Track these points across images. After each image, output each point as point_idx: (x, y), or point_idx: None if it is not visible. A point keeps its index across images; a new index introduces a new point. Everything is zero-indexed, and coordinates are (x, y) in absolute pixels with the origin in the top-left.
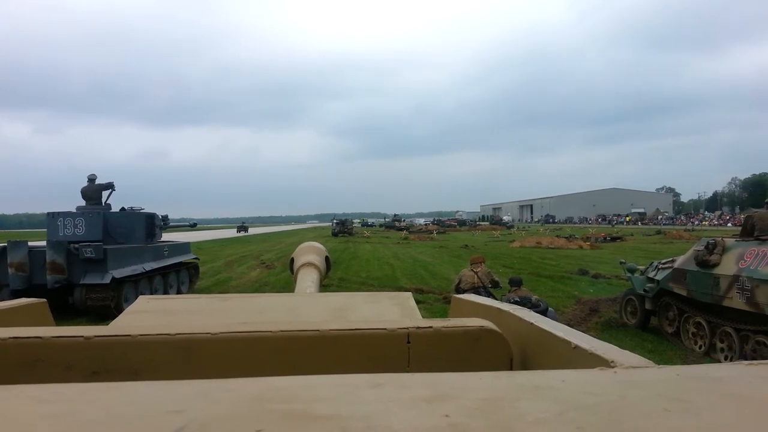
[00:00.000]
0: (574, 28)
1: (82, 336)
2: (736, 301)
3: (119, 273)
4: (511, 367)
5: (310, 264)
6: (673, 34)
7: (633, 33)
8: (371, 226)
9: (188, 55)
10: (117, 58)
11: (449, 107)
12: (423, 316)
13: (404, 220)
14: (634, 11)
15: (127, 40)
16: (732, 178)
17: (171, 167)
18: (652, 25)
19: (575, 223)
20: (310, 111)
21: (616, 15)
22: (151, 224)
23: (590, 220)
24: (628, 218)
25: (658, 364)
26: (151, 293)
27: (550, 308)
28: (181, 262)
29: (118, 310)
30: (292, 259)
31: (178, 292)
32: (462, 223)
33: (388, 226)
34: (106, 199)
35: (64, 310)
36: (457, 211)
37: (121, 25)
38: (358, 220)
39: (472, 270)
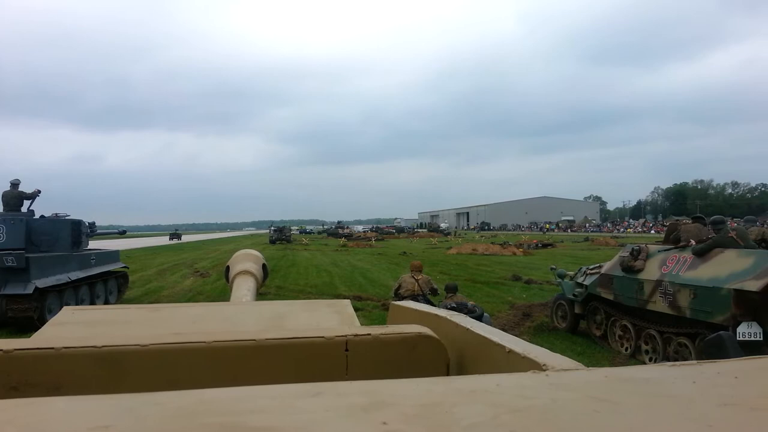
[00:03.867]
0: (523, 41)
1: (1, 349)
2: (659, 304)
3: (43, 283)
4: (448, 373)
5: (246, 272)
6: (612, 49)
7: (576, 47)
8: (310, 233)
9: (133, 57)
10: (56, 58)
11: (397, 116)
12: (361, 324)
13: (347, 227)
14: (578, 27)
15: (69, 39)
16: (655, 188)
17: (105, 172)
18: (593, 40)
19: (509, 230)
20: (257, 117)
21: (562, 30)
22: (78, 231)
23: (523, 227)
24: (547, 225)
25: (588, 366)
26: (77, 304)
27: (485, 314)
28: (109, 271)
29: (41, 322)
30: (228, 267)
31: (106, 302)
32: (400, 230)
33: (331, 234)
34: (29, 206)
35: None
36: (396, 219)
37: (64, 24)
38: (297, 227)
39: (413, 277)
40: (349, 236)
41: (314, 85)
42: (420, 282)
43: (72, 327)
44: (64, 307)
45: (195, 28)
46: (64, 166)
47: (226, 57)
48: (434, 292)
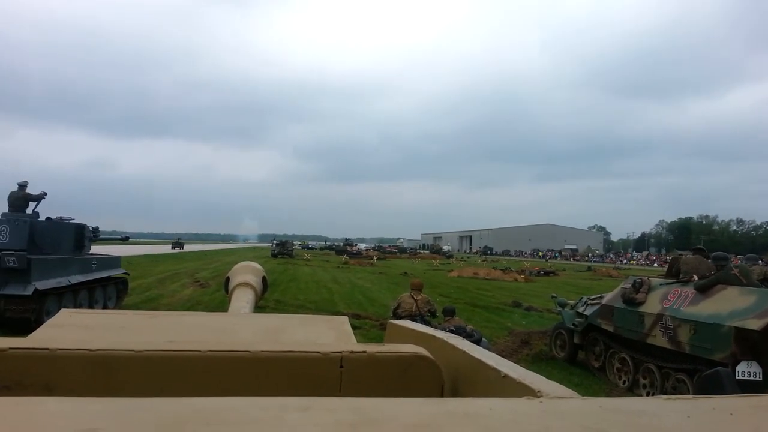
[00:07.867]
0: (544, 69)
1: None
2: (659, 338)
3: (43, 285)
4: (442, 394)
5: (246, 284)
6: (633, 81)
7: (597, 78)
8: (312, 248)
9: (160, 67)
10: (84, 67)
11: (414, 137)
12: (358, 342)
13: (355, 245)
14: (600, 56)
15: (99, 50)
16: (659, 221)
17: (116, 178)
18: (615, 71)
19: (512, 255)
20: (276, 132)
21: (584, 59)
22: (80, 236)
23: (526, 253)
24: (541, 253)
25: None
26: (76, 307)
27: (483, 338)
28: (109, 277)
29: (38, 324)
30: (228, 278)
31: (104, 307)
32: (402, 250)
33: (339, 251)
34: (35, 208)
35: None
36: (399, 239)
37: (96, 35)
38: (299, 243)
39: (412, 297)
40: (356, 254)
41: (334, 103)
42: (419, 302)
43: (68, 329)
44: (62, 310)
45: (221, 41)
46: (76, 171)
47: (250, 71)
48: (432, 313)
